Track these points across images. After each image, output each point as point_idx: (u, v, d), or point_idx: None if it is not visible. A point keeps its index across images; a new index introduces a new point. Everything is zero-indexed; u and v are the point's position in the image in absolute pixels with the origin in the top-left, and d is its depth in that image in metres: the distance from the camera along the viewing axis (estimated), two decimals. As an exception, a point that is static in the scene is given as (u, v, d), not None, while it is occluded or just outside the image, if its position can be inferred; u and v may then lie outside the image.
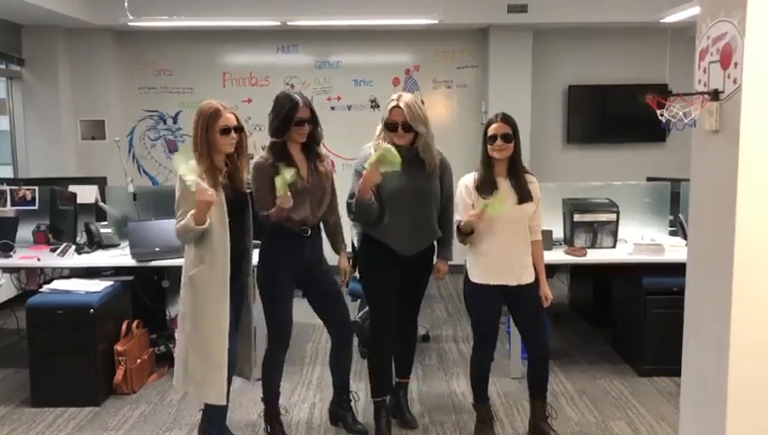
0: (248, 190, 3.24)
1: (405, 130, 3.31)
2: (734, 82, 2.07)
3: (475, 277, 3.35)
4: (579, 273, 5.77)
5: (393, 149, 3.16)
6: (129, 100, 7.23)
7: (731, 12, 2.07)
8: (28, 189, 4.91)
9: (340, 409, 3.69)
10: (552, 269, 6.02)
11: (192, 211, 2.98)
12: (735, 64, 2.06)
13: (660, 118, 2.23)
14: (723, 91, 2.14)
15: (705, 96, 2.20)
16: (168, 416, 3.85)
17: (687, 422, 2.49)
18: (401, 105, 3.29)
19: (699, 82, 2.29)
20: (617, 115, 7.08)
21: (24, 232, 4.84)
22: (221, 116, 3.05)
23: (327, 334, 5.27)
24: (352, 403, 3.73)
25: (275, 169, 3.20)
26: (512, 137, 3.23)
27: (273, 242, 3.38)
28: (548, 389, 3.58)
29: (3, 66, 6.45)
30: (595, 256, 4.47)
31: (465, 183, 3.35)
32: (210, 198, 2.94)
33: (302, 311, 6.03)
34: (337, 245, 3.64)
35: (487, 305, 3.38)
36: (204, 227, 2.99)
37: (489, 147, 3.24)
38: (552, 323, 5.12)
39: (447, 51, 7.23)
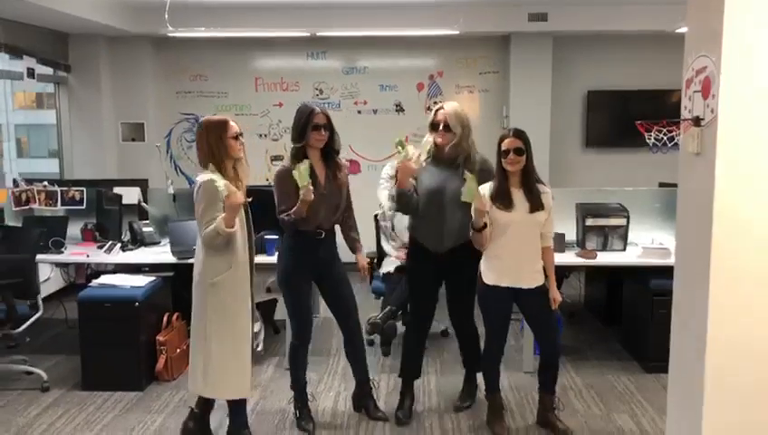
0: (249, 199, 3.44)
1: (445, 130, 3.67)
2: (712, 111, 2.33)
3: (489, 279, 3.62)
4: (593, 274, 6.01)
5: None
6: (166, 103, 7.62)
7: (710, 49, 2.33)
8: (77, 190, 5.31)
9: (362, 397, 4.01)
10: (568, 270, 6.30)
11: (222, 215, 3.19)
12: (713, 96, 2.32)
13: (648, 141, 2.49)
14: (703, 119, 2.40)
15: (689, 122, 2.47)
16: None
17: (673, 411, 2.76)
18: (445, 108, 3.72)
19: (685, 108, 2.55)
20: (634, 119, 7.26)
21: (73, 230, 5.24)
22: (230, 124, 3.33)
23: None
24: (373, 392, 4.04)
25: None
26: (523, 151, 3.48)
27: (290, 243, 3.72)
28: (558, 383, 3.85)
29: (51, 72, 6.87)
30: (605, 258, 4.71)
31: (482, 192, 3.58)
32: (241, 200, 3.24)
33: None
34: (353, 245, 3.96)
35: (498, 305, 3.65)
36: (234, 230, 3.23)
37: (503, 160, 3.51)
38: (567, 321, 5.38)
39: (470, 57, 7.49)
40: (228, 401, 3.54)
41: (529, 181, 3.54)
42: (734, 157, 2.29)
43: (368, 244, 5.45)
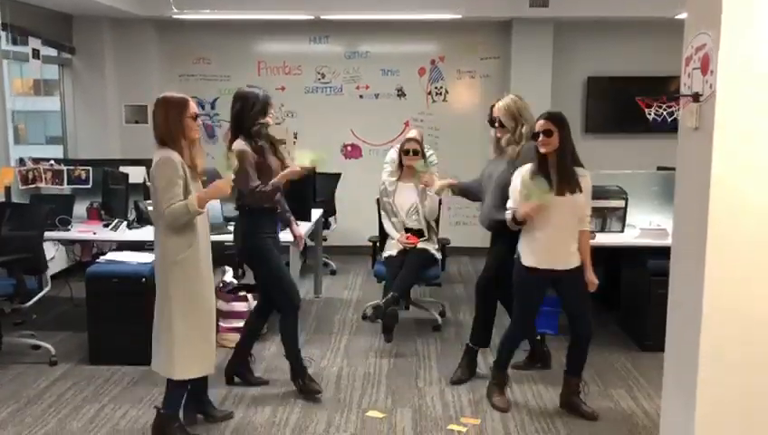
0: (204, 179, 3.48)
1: (500, 125, 4.03)
2: (710, 86, 2.40)
3: (527, 261, 3.66)
4: (592, 257, 6.07)
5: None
6: (170, 86, 7.61)
7: (709, 26, 2.40)
8: (83, 169, 5.38)
9: (240, 366, 4.16)
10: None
11: (196, 194, 3.20)
12: (711, 72, 2.39)
13: (648, 116, 2.56)
14: (702, 94, 2.47)
15: (688, 98, 2.54)
16: (209, 376, 4.27)
17: (669, 386, 2.85)
18: (498, 104, 4.06)
19: (684, 85, 2.63)
20: (635, 106, 7.33)
21: (79, 209, 5.29)
22: (190, 103, 3.27)
23: (354, 307, 5.73)
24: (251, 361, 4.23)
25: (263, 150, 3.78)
26: (552, 132, 3.52)
27: (260, 222, 3.87)
28: (556, 361, 3.91)
29: (55, 54, 6.91)
30: (604, 239, 4.79)
31: (520, 174, 3.67)
32: (228, 188, 3.30)
33: (332, 286, 6.45)
34: (288, 219, 4.27)
35: (535, 288, 3.71)
36: (204, 211, 3.26)
37: (537, 142, 3.58)
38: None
39: (471, 42, 7.54)
40: (173, 381, 3.36)
41: (563, 163, 3.57)
42: (732, 131, 2.36)
43: (370, 229, 5.55)
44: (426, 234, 5.11)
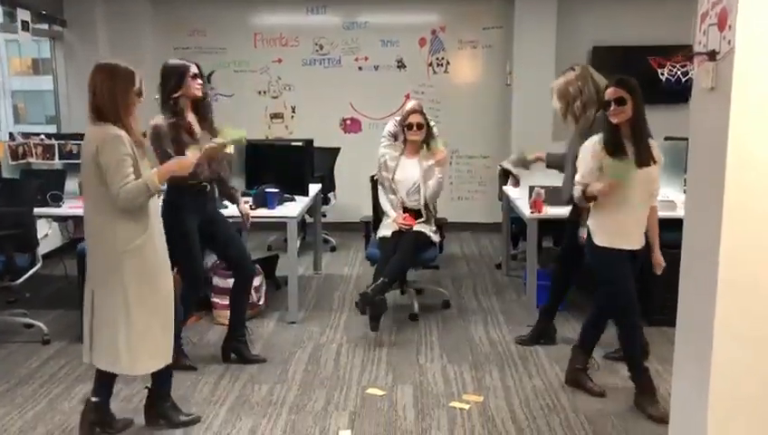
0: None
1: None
2: (729, 43, 2.24)
3: (601, 241, 3.42)
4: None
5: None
6: (164, 59, 7.40)
7: (727, -22, 2.23)
8: (74, 144, 5.23)
9: (236, 342, 4.04)
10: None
11: (154, 170, 2.98)
12: (730, 27, 2.23)
13: (660, 77, 2.41)
14: (719, 52, 2.32)
15: (704, 56, 2.38)
16: (206, 353, 4.18)
17: (680, 357, 2.73)
18: (552, 87, 4.13)
19: (699, 43, 2.46)
20: (640, 76, 7.11)
21: (71, 184, 5.15)
22: (137, 77, 2.94)
23: (354, 283, 5.62)
24: (247, 338, 4.13)
25: (180, 129, 3.59)
26: (625, 100, 3.26)
27: (177, 198, 3.71)
28: (559, 335, 3.75)
29: (46, 27, 6.73)
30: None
31: (590, 145, 3.43)
32: (192, 164, 3.11)
33: (332, 263, 6.35)
34: (233, 196, 4.09)
35: (625, 267, 3.42)
36: (163, 187, 3.06)
37: (608, 112, 3.34)
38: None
39: (473, 11, 7.34)
40: (106, 374, 3.09)
41: (638, 134, 3.32)
42: (753, 91, 2.20)
43: (371, 205, 5.37)
44: (423, 214, 4.83)
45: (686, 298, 2.69)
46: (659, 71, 2.30)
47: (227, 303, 4.62)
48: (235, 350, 4.06)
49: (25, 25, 6.04)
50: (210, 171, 3.79)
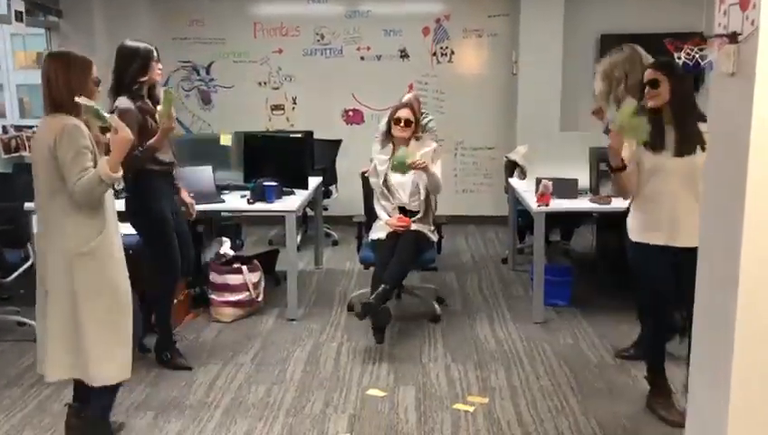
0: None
1: None
2: (752, 23, 2.08)
3: (634, 235, 3.24)
4: (605, 224, 5.81)
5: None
6: (162, 50, 7.11)
7: (751, -47, 2.07)
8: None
9: (164, 344, 3.85)
10: (578, 221, 6.10)
11: (104, 159, 2.66)
12: (754, 5, 2.06)
13: (677, 60, 2.25)
14: (741, 33, 2.15)
15: (724, 39, 2.22)
16: (203, 352, 4.06)
17: (698, 361, 2.58)
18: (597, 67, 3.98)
19: (719, 25, 2.30)
20: (649, 65, 6.96)
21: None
22: (94, 66, 2.79)
23: (356, 279, 5.47)
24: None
25: (147, 114, 3.48)
26: (659, 83, 3.06)
27: (149, 184, 3.59)
28: (570, 333, 3.53)
29: (41, 18, 6.59)
30: (619, 203, 4.49)
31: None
32: (130, 135, 2.71)
33: (333, 257, 6.20)
34: (175, 186, 3.92)
35: (654, 264, 3.17)
36: (119, 175, 2.70)
37: (645, 96, 3.14)
38: (579, 271, 5.20)
39: (478, -1, 7.16)
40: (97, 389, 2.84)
41: (679, 118, 3.06)
42: (777, 74, 2.05)
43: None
44: (420, 211, 4.49)
45: (704, 294, 2.53)
46: (676, 54, 2.15)
47: (225, 299, 4.53)
48: (165, 353, 3.86)
49: (19, 16, 5.90)
50: (173, 156, 3.70)
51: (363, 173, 4.91)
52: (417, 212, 4.49)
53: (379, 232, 4.46)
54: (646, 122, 3.02)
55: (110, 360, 2.79)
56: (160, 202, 3.65)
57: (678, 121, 3.08)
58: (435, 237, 4.55)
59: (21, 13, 5.92)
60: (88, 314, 2.72)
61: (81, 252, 2.70)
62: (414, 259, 4.31)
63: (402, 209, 4.50)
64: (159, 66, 3.61)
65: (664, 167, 3.11)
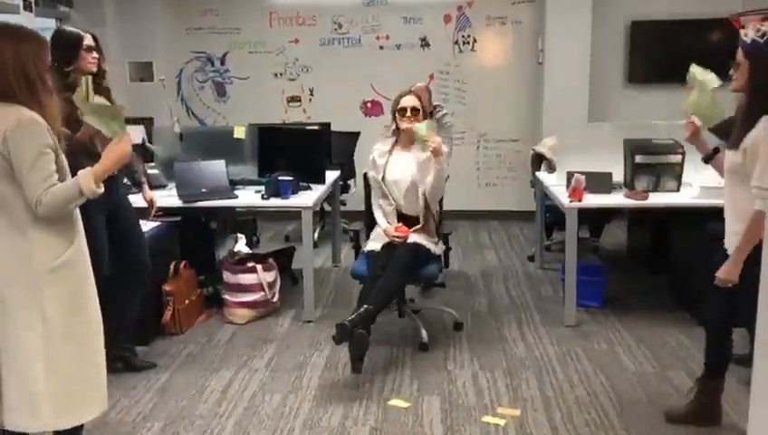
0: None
1: None
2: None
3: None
4: (636, 220, 5.55)
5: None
6: (176, 41, 7.14)
7: None
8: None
9: (120, 351, 3.59)
10: (610, 216, 5.82)
11: (88, 170, 2.28)
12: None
13: (744, 38, 1.99)
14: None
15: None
16: (215, 356, 3.86)
17: (760, 379, 2.31)
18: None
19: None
20: (681, 53, 6.62)
21: (74, 173, 4.86)
22: (47, 46, 2.39)
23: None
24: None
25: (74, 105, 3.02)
26: (739, 64, 2.63)
27: None
28: (604, 337, 3.31)
29: (52, 8, 6.41)
30: (657, 199, 4.23)
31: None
32: (130, 148, 2.42)
33: (352, 254, 5.95)
34: (137, 180, 3.77)
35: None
36: (102, 190, 2.33)
37: None
38: (610, 269, 4.94)
39: (502, -15, 6.88)
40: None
41: (748, 106, 2.64)
42: None
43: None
44: (420, 220, 3.96)
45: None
46: (743, 32, 1.91)
47: (239, 300, 4.33)
48: (121, 358, 3.62)
49: (27, 5, 5.72)
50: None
51: (366, 174, 4.34)
52: (418, 218, 3.98)
53: (374, 243, 3.96)
54: (718, 105, 2.75)
55: (87, 391, 2.38)
56: (85, 206, 3.25)
57: (745, 109, 2.67)
58: (439, 250, 4.00)
59: (30, 2, 5.73)
60: (61, 341, 2.29)
61: (50, 269, 2.27)
62: (406, 278, 3.83)
63: (402, 217, 4.01)
64: (94, 55, 3.28)
65: (722, 161, 2.82)
